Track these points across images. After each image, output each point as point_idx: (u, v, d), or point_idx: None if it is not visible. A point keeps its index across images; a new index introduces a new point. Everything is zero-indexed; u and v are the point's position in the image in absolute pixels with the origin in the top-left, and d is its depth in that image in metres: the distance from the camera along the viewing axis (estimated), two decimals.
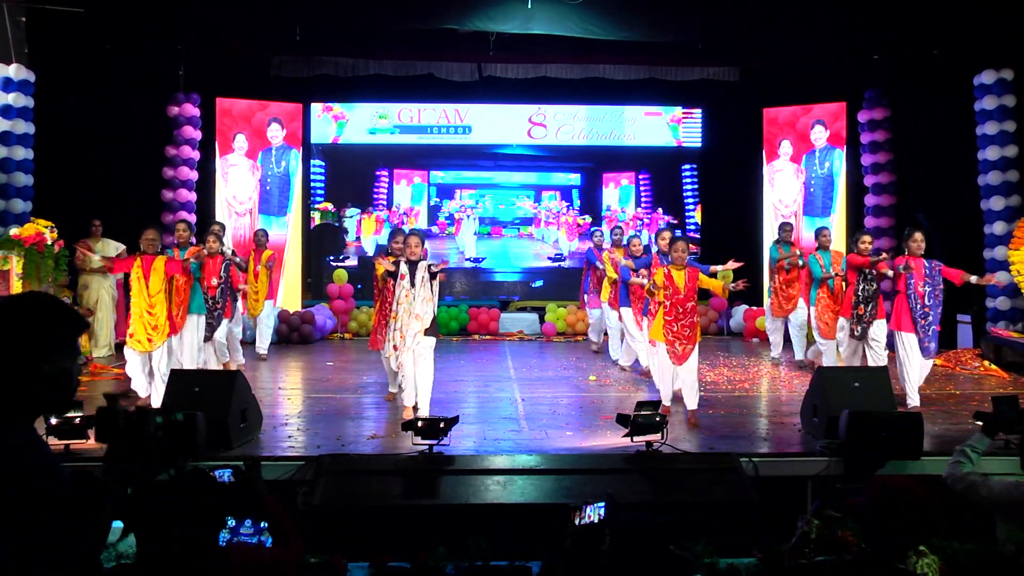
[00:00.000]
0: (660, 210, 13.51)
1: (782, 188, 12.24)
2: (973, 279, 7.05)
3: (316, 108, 13.05)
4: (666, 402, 6.51)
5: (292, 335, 11.02)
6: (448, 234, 13.50)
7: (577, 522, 3.00)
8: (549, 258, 13.58)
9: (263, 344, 9.66)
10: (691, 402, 6.35)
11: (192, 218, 10.91)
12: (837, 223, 11.55)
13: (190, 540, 2.36)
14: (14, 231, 8.54)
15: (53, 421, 4.95)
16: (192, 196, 11.24)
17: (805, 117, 12.04)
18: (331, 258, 13.15)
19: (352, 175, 13.30)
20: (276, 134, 12.17)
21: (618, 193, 13.64)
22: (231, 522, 3.02)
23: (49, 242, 8.60)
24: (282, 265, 11.82)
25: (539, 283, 13.56)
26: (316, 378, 8.61)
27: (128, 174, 10.61)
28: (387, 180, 13.39)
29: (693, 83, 12.40)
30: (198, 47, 10.91)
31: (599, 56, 11.69)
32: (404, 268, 6.27)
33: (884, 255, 7.32)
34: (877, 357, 7.20)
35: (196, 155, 11.28)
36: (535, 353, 10.50)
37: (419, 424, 5.07)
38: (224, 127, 11.86)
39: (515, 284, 13.57)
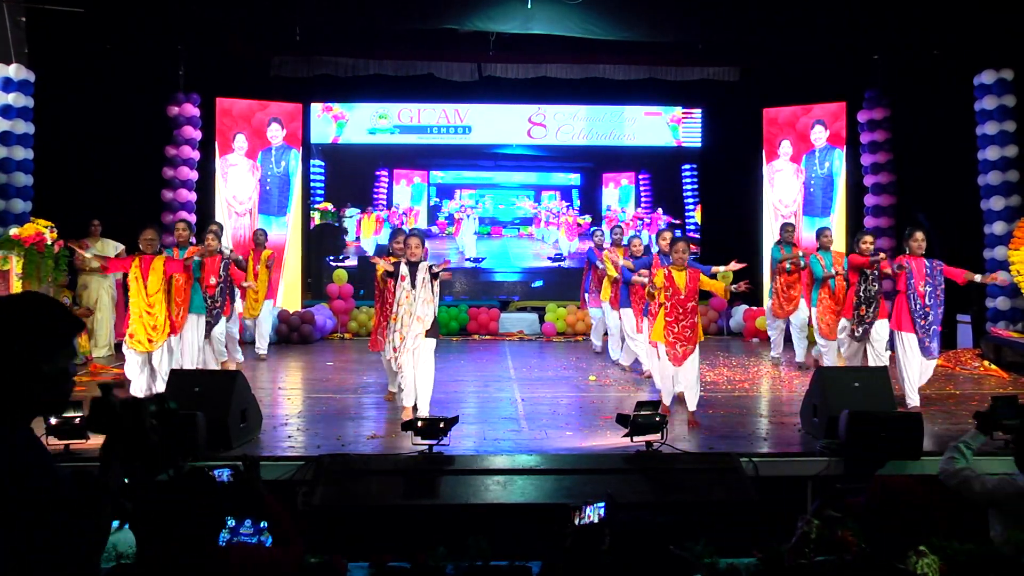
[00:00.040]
0: (660, 210, 13.51)
1: (782, 188, 12.24)
2: (978, 278, 7.05)
3: (316, 108, 13.04)
4: (666, 401, 6.51)
5: (292, 335, 11.02)
6: (448, 234, 13.50)
7: (577, 522, 3.00)
8: (549, 258, 13.58)
9: (262, 344, 9.65)
10: (691, 402, 6.35)
11: (192, 218, 10.91)
12: (837, 223, 11.54)
13: (190, 540, 2.37)
14: (14, 231, 8.54)
15: (53, 421, 4.96)
16: (192, 196, 11.23)
17: (805, 117, 12.04)
18: (331, 258, 13.14)
19: (352, 175, 13.30)
20: (276, 134, 12.17)
21: (618, 193, 13.63)
22: (231, 522, 3.03)
23: (49, 242, 8.60)
24: (282, 265, 11.82)
25: (539, 283, 13.56)
26: (316, 378, 8.61)
27: (128, 174, 10.61)
28: (387, 180, 13.39)
29: (693, 83, 12.40)
30: (198, 47, 10.90)
31: (599, 56, 11.69)
32: (404, 269, 6.24)
33: (882, 255, 7.32)
34: (878, 357, 7.19)
35: (196, 155, 11.28)
36: (535, 353, 10.50)
37: (419, 424, 5.07)
38: (224, 127, 11.86)
39: (515, 284, 13.56)
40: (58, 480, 1.78)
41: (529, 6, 9.34)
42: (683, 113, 13.44)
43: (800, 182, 12.07)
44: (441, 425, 5.03)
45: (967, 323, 10.15)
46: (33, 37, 9.28)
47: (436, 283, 6.30)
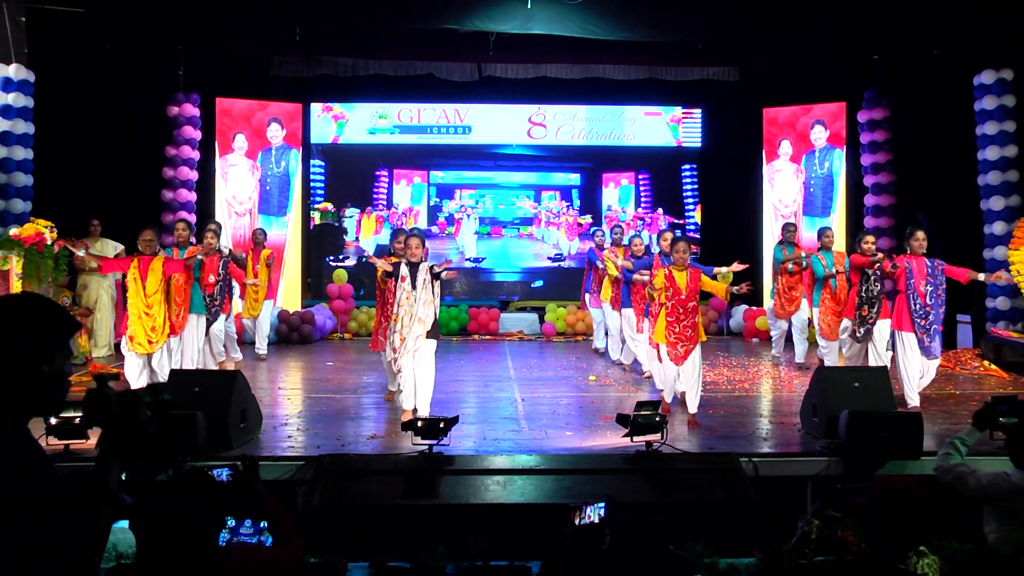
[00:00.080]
0: (660, 210, 13.51)
1: (782, 188, 12.24)
2: (981, 277, 7.05)
3: (316, 108, 13.04)
4: (667, 400, 6.50)
5: (292, 335, 11.02)
6: (448, 234, 13.50)
7: (577, 522, 3.01)
8: (549, 258, 13.58)
9: (262, 344, 9.65)
10: (692, 404, 6.34)
11: (192, 218, 10.90)
12: (837, 223, 11.53)
13: (190, 540, 2.37)
14: (14, 231, 8.54)
15: (53, 421, 4.96)
16: (192, 196, 11.23)
17: (805, 117, 12.04)
18: (331, 258, 13.14)
19: (352, 175, 13.30)
20: (276, 134, 12.17)
21: (618, 193, 13.63)
22: (231, 522, 3.03)
23: (49, 242, 8.60)
24: (282, 265, 11.82)
25: (539, 283, 13.56)
26: (316, 378, 8.61)
27: (128, 174, 10.61)
28: (387, 180, 13.39)
29: (693, 83, 12.39)
30: (198, 47, 10.90)
31: (599, 56, 11.68)
32: (405, 270, 6.19)
33: (880, 255, 7.31)
34: (880, 358, 7.19)
35: (196, 155, 11.28)
36: (535, 353, 10.50)
37: (419, 424, 5.07)
38: (224, 127, 11.86)
39: (515, 284, 13.56)
40: (58, 480, 1.78)
41: (529, 6, 9.34)
42: (683, 113, 13.44)
43: (800, 182, 12.07)
44: (441, 425, 5.03)
45: (967, 323, 10.15)
46: (33, 37, 9.27)
47: (437, 284, 6.27)
